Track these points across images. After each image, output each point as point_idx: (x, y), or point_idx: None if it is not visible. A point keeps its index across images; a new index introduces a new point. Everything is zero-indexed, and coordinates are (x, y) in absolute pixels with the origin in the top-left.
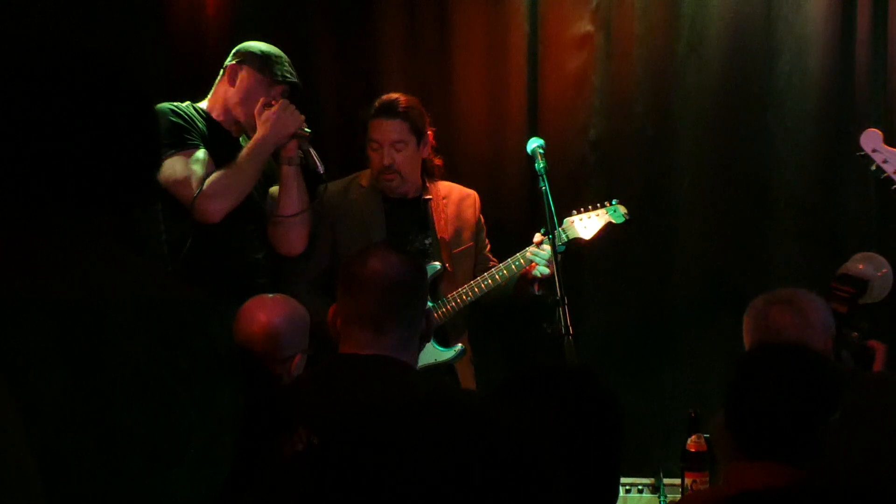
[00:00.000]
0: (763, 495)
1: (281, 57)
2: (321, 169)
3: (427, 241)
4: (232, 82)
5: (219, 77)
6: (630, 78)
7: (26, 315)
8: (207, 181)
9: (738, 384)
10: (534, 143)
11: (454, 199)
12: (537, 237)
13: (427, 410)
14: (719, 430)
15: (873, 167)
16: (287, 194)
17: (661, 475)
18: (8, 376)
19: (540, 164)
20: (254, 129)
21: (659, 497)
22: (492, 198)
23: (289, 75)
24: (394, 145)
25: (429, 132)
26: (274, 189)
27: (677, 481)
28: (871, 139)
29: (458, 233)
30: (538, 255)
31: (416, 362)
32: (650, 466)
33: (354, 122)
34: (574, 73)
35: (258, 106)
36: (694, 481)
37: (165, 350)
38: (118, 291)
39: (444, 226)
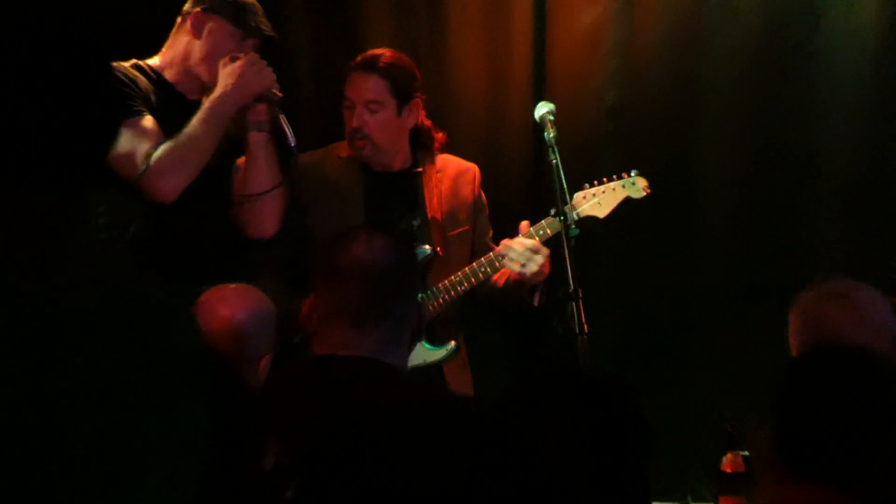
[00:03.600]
0: None
1: (253, 5)
2: (292, 141)
3: (415, 222)
4: (197, 34)
5: (175, 27)
6: (652, 35)
7: None
8: (155, 154)
9: (787, 394)
10: (542, 109)
11: (450, 173)
12: (523, 225)
13: (420, 422)
14: (761, 448)
15: None
16: (256, 167)
17: (691, 500)
18: None
19: (549, 134)
20: None
21: None
22: (492, 173)
23: (264, 27)
24: (367, 105)
25: (418, 98)
26: (241, 160)
27: None
28: None
29: (453, 213)
30: (512, 249)
31: (406, 364)
32: (679, 490)
33: (331, 87)
34: (588, 28)
35: (225, 59)
36: None
37: (125, 349)
38: (71, 278)
39: (436, 204)
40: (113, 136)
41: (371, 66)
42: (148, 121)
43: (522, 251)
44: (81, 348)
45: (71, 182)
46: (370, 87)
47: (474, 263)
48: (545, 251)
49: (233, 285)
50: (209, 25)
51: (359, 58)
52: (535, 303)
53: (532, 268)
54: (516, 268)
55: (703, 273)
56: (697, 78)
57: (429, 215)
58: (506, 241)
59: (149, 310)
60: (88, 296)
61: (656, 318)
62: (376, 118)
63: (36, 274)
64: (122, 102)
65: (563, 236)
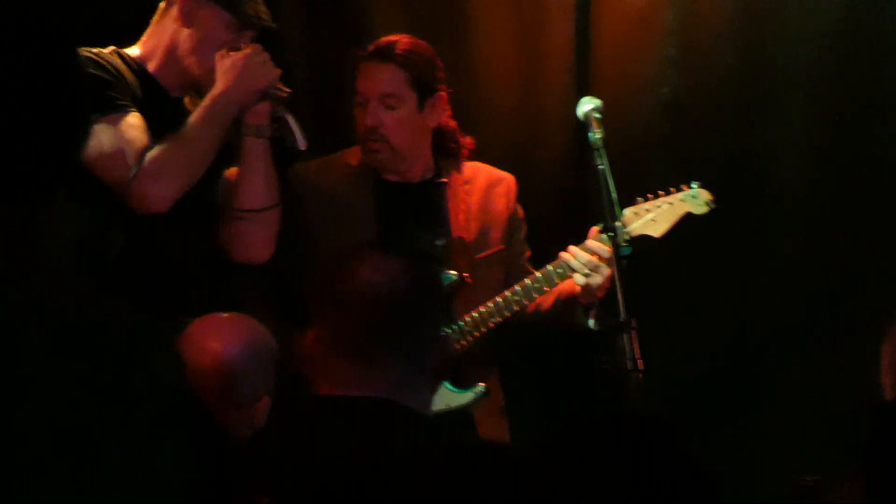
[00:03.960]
0: None
1: None
2: (302, 143)
3: (439, 242)
4: (186, 22)
5: (158, 12)
6: (716, 16)
7: None
8: (148, 155)
9: (882, 443)
10: (587, 105)
11: (480, 184)
12: (593, 232)
13: (447, 473)
14: None
15: None
16: (251, 179)
17: None
18: None
19: (595, 134)
20: (211, 86)
21: None
22: (528, 182)
23: (264, 16)
24: (383, 100)
25: (442, 92)
26: (231, 171)
27: None
28: None
29: (483, 231)
30: (576, 257)
31: (428, 407)
32: None
33: (331, 84)
34: (640, 8)
35: (222, 51)
36: None
37: (90, 390)
38: (27, 307)
39: (463, 221)
40: (87, 134)
41: (386, 54)
42: (135, 117)
43: (590, 259)
44: (36, 390)
45: (32, 189)
46: (386, 79)
47: (508, 292)
48: (612, 263)
49: (226, 314)
50: (200, 12)
51: (371, 45)
52: (594, 326)
53: (597, 279)
54: (580, 279)
55: (774, 299)
56: (769, 66)
57: (454, 234)
58: (571, 248)
59: (119, 342)
60: (45, 325)
61: (719, 352)
62: (394, 115)
63: None
64: (103, 94)
65: (614, 255)
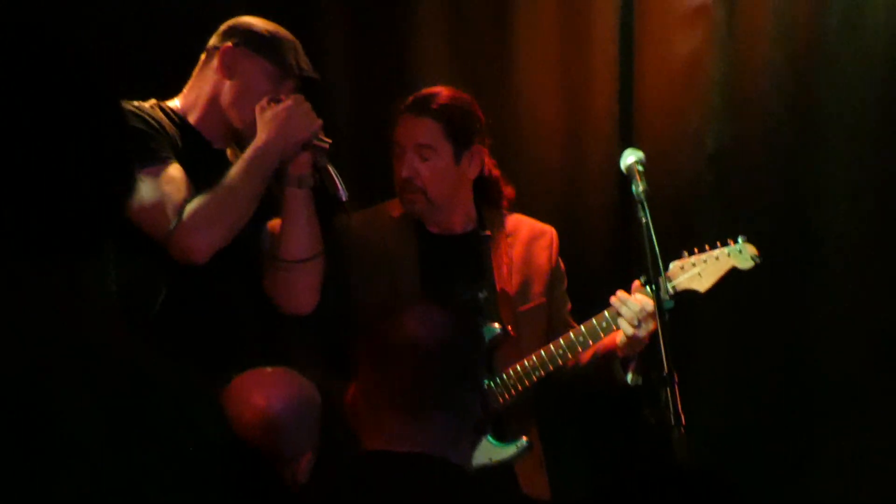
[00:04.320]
0: None
1: (292, 41)
2: (343, 194)
3: (482, 295)
4: (226, 72)
5: (199, 64)
6: (761, 65)
7: None
8: (189, 206)
9: None
10: (630, 157)
11: (523, 237)
12: (636, 285)
13: None
14: None
15: None
16: (294, 229)
17: None
18: None
19: (638, 187)
20: (252, 138)
21: None
22: (569, 234)
23: (305, 66)
24: (419, 151)
25: (481, 144)
26: (275, 222)
27: None
28: None
29: (526, 284)
30: (627, 305)
31: (470, 462)
32: None
33: (375, 133)
34: (684, 59)
35: (262, 102)
36: None
37: (132, 447)
38: (68, 365)
39: (506, 274)
40: (133, 188)
41: (423, 106)
42: (176, 169)
43: (640, 309)
44: (83, 451)
45: (78, 244)
46: (421, 131)
47: (551, 346)
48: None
49: (269, 369)
50: (241, 63)
51: (410, 98)
52: (632, 381)
53: (643, 332)
54: (628, 329)
55: (827, 354)
56: (817, 116)
57: (497, 287)
58: (621, 294)
59: (166, 399)
60: (90, 381)
61: (769, 408)
62: (429, 166)
63: (27, 359)
64: (144, 147)
65: (658, 309)
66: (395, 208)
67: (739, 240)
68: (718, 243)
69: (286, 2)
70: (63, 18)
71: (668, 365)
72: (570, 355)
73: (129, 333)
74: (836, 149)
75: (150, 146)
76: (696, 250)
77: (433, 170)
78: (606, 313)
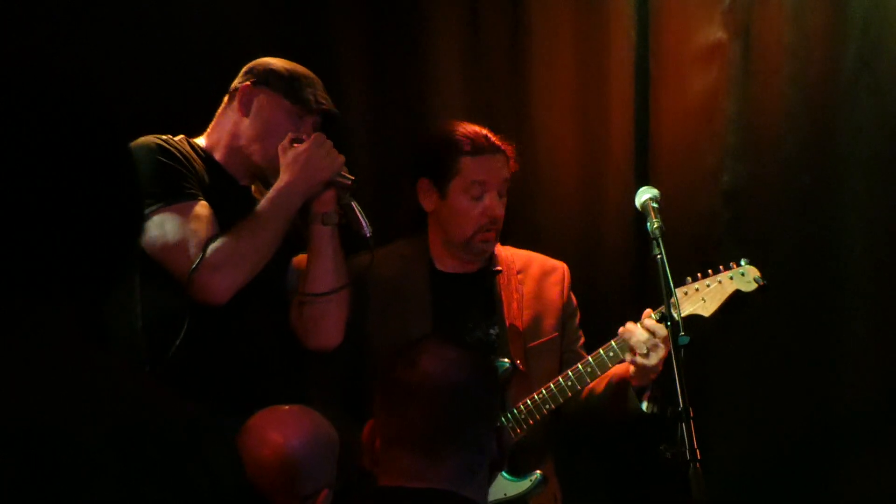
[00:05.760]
0: None
1: (311, 78)
2: (367, 230)
3: (493, 331)
4: (246, 111)
5: (223, 104)
6: (777, 104)
7: None
8: (211, 246)
9: None
10: (645, 195)
11: (533, 273)
12: (647, 314)
13: None
14: None
15: None
16: (320, 264)
17: None
18: None
19: (653, 224)
20: (274, 175)
21: None
22: (585, 270)
23: (324, 102)
24: (502, 188)
25: None
26: (300, 258)
27: None
28: None
29: (536, 320)
30: (634, 334)
31: (485, 498)
32: None
33: (394, 166)
34: (700, 97)
35: (284, 142)
36: None
37: (148, 487)
38: (85, 408)
39: (517, 310)
40: (141, 229)
41: (495, 145)
42: (203, 207)
43: (648, 337)
44: (97, 485)
45: (88, 283)
46: (503, 167)
47: (560, 378)
48: (668, 344)
49: (287, 407)
50: (259, 100)
51: (478, 139)
52: (647, 409)
53: (653, 359)
54: (638, 358)
55: (843, 388)
56: (832, 153)
57: (508, 323)
58: (629, 325)
59: (180, 442)
60: (105, 421)
61: (787, 445)
62: (504, 202)
63: (44, 401)
64: (173, 183)
65: (672, 343)
66: (405, 247)
67: (742, 262)
68: (721, 267)
69: (308, 42)
70: (88, 64)
71: (683, 400)
72: (578, 387)
73: (146, 374)
74: (852, 186)
75: (177, 183)
76: (699, 276)
77: (505, 206)
78: (613, 343)
